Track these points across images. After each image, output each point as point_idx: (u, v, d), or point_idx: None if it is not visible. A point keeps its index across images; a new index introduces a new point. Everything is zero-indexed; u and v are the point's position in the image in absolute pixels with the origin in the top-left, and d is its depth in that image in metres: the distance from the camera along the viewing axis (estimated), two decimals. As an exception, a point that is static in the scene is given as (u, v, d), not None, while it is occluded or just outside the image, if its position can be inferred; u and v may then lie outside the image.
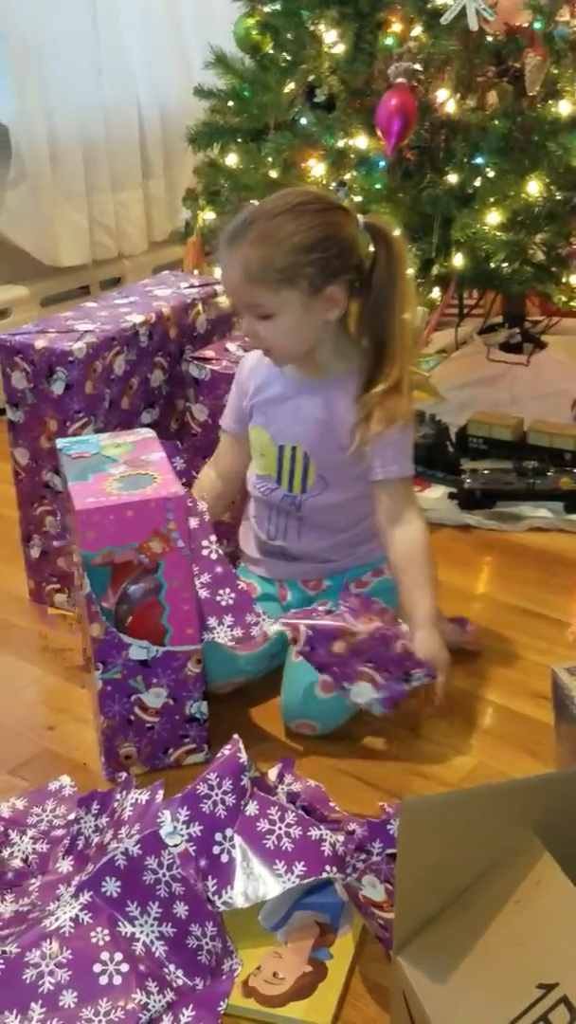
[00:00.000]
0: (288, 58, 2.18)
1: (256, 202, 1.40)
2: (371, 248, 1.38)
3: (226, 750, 1.18)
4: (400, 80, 1.88)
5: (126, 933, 1.07)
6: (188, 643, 1.34)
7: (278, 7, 2.17)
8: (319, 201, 1.38)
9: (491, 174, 1.93)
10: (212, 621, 1.34)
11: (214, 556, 1.34)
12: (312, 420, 1.44)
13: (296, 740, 1.45)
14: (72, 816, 1.26)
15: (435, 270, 1.98)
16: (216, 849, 1.12)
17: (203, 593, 1.33)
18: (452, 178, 1.94)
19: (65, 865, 1.20)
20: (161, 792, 1.17)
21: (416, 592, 1.41)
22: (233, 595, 1.35)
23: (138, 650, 1.33)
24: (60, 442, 1.46)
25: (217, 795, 1.14)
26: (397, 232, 1.40)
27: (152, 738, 1.38)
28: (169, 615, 1.32)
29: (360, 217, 1.39)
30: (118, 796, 1.20)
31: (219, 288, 1.91)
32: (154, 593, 1.31)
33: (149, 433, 1.47)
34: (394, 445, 1.41)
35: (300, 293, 1.35)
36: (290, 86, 2.16)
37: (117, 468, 1.35)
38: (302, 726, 1.43)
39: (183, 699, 1.37)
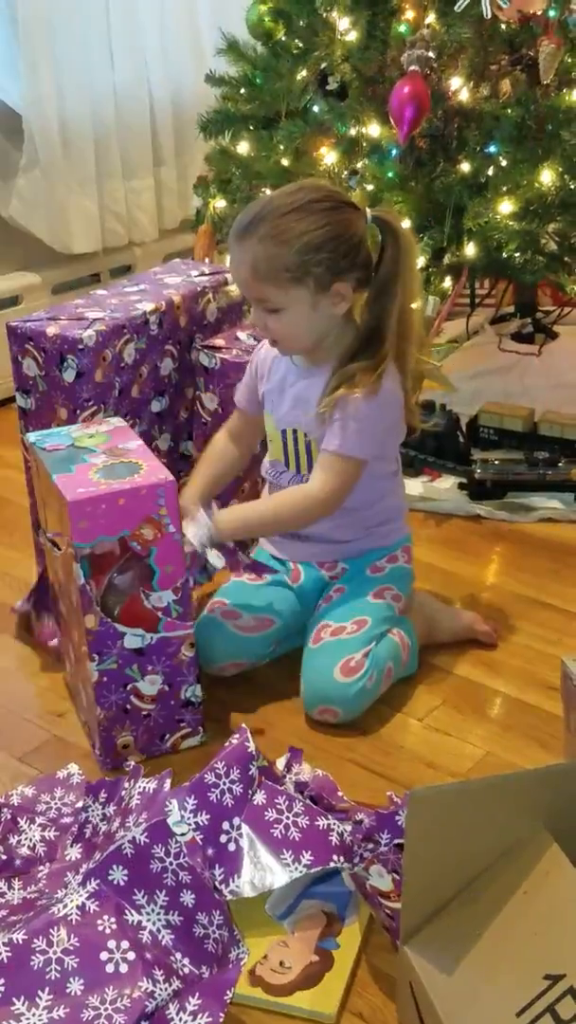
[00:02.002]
0: (301, 45, 2.17)
1: (268, 194, 1.40)
2: (379, 240, 1.39)
3: (234, 739, 1.18)
4: (413, 68, 1.86)
5: (133, 921, 1.07)
6: (183, 628, 1.34)
7: (291, -7, 2.16)
8: (329, 199, 1.38)
9: (504, 163, 1.92)
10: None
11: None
12: (309, 403, 1.45)
13: (304, 730, 1.45)
14: (80, 804, 1.27)
15: (447, 259, 1.97)
16: (223, 838, 1.12)
17: None
18: (465, 167, 1.93)
19: (73, 853, 1.20)
20: (169, 781, 1.17)
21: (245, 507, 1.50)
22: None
23: (133, 639, 1.33)
24: (31, 436, 1.45)
25: (225, 784, 1.14)
26: (405, 224, 1.41)
27: (149, 725, 1.38)
28: None
29: (368, 211, 1.39)
30: (126, 785, 1.20)
31: (229, 277, 1.91)
32: (146, 580, 1.30)
33: (119, 422, 1.46)
34: (348, 420, 1.39)
35: (308, 291, 1.36)
36: (302, 73, 2.14)
37: (97, 458, 1.34)
38: (325, 712, 1.43)
39: (178, 684, 1.37)
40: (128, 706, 1.36)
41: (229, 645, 1.49)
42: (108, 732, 1.37)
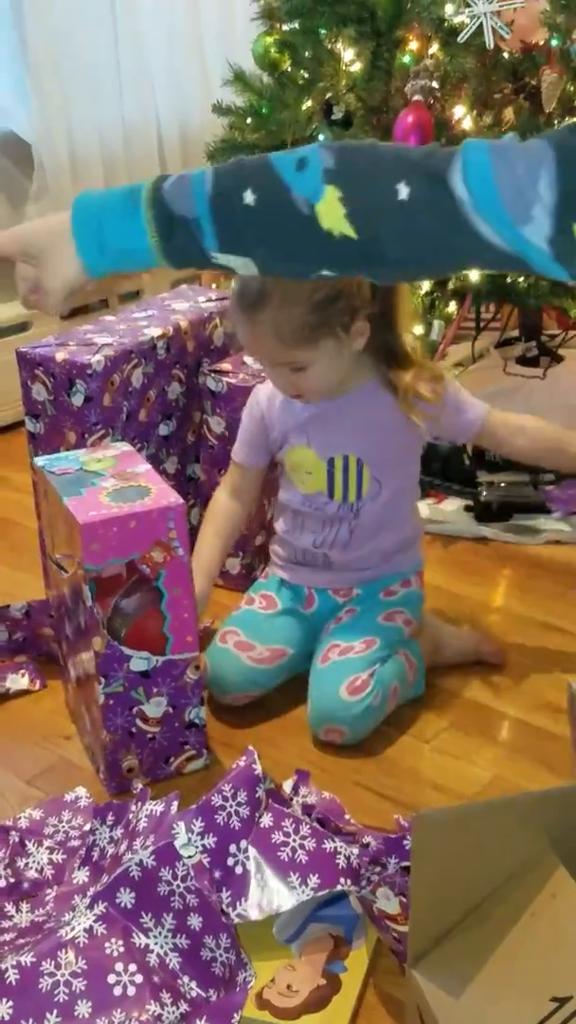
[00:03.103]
0: (306, 76, 2.20)
1: None
2: None
3: (241, 761, 1.19)
4: (417, 97, 1.89)
5: (140, 944, 1.07)
6: (188, 651, 1.35)
7: (297, 25, 2.19)
8: None
9: (508, 189, 1.94)
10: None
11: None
12: (357, 426, 1.46)
13: (311, 752, 1.45)
14: (88, 827, 1.27)
15: (451, 284, 1.98)
16: (231, 861, 1.12)
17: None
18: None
19: (81, 876, 1.20)
20: (176, 803, 1.17)
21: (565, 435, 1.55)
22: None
23: (139, 661, 1.34)
24: (39, 460, 1.46)
25: (232, 806, 1.14)
26: None
27: (153, 748, 1.38)
28: (170, 624, 1.33)
29: None
30: (133, 808, 1.21)
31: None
32: (154, 604, 1.31)
33: (126, 447, 1.47)
34: (457, 401, 1.49)
35: (334, 340, 1.38)
36: (308, 103, 2.17)
37: (107, 481, 1.35)
38: (331, 732, 1.43)
39: (182, 706, 1.37)
40: (133, 729, 1.37)
41: (242, 676, 1.49)
42: (114, 755, 1.37)
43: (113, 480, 1.36)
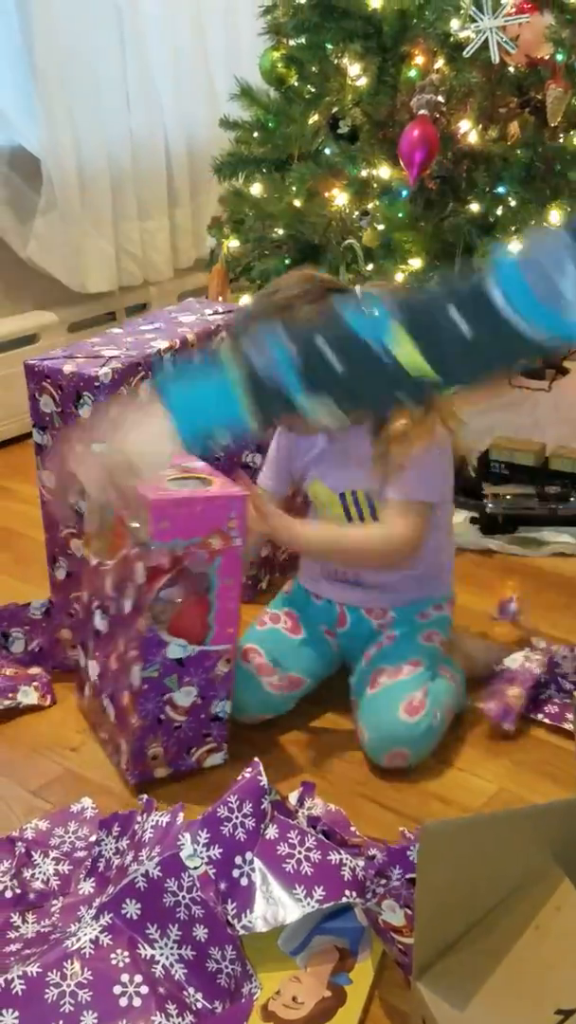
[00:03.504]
0: (312, 90, 2.22)
1: (257, 297, 1.45)
2: None
3: (246, 773, 1.19)
4: (423, 111, 1.90)
5: (146, 955, 1.08)
6: (226, 642, 1.36)
7: (303, 41, 2.21)
8: (312, 292, 1.40)
9: (513, 203, 1.95)
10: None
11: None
12: (361, 462, 1.45)
13: (316, 764, 1.45)
14: (93, 838, 1.27)
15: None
16: (236, 872, 1.13)
17: None
18: (474, 207, 1.96)
19: (86, 887, 1.21)
20: (182, 814, 1.17)
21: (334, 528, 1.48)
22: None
23: (176, 648, 1.34)
24: (96, 447, 1.48)
25: (237, 818, 1.14)
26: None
27: (179, 737, 1.39)
28: (216, 614, 1.34)
29: (358, 290, 1.44)
30: (139, 819, 1.21)
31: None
32: (199, 592, 1.32)
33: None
34: (412, 469, 1.41)
35: None
36: (314, 117, 2.19)
37: (167, 471, 1.36)
38: (395, 756, 1.41)
39: (210, 698, 1.38)
40: (162, 716, 1.38)
41: (258, 701, 1.50)
42: (141, 741, 1.38)
43: (172, 471, 1.37)
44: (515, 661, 1.59)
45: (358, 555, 1.49)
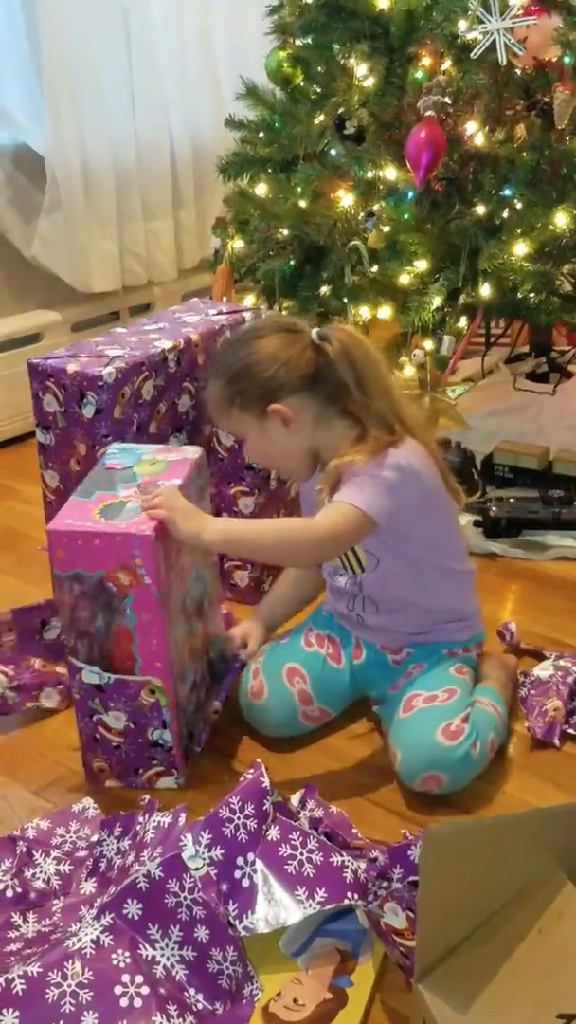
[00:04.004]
0: (318, 90, 2.22)
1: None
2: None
3: (249, 774, 1.19)
4: (429, 113, 1.90)
5: (147, 956, 1.07)
6: (154, 674, 1.34)
7: (309, 40, 2.21)
8: (261, 329, 1.43)
9: (519, 206, 1.95)
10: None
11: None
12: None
13: (318, 766, 1.45)
14: (95, 838, 1.27)
15: (462, 299, 1.99)
16: (238, 873, 1.12)
17: None
18: (480, 209, 1.96)
19: (88, 887, 1.20)
20: (184, 815, 1.17)
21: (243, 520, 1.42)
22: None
23: (90, 674, 1.36)
24: (113, 447, 1.50)
25: (239, 819, 1.14)
26: (349, 331, 1.42)
27: (120, 756, 1.40)
28: (138, 645, 1.33)
29: (314, 331, 1.40)
30: (140, 819, 1.21)
31: (247, 315, 1.93)
32: (123, 622, 1.32)
33: (195, 453, 1.47)
34: (353, 479, 1.35)
35: (247, 416, 1.40)
36: (320, 118, 2.19)
37: (127, 491, 1.37)
38: (428, 781, 1.36)
39: (143, 725, 1.38)
40: (97, 735, 1.39)
41: (288, 724, 1.48)
42: (86, 754, 1.41)
43: (133, 491, 1.37)
44: (545, 671, 1.58)
45: (266, 547, 1.38)
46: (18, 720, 1.57)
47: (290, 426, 1.40)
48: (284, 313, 2.07)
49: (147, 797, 1.25)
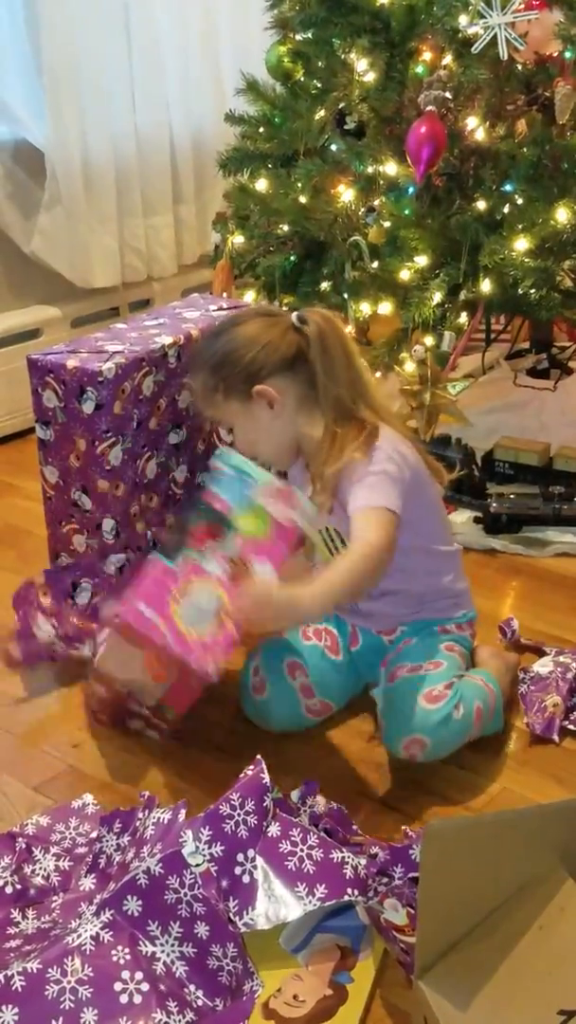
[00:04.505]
0: (319, 85, 2.21)
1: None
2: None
3: (249, 770, 1.18)
4: (430, 108, 1.89)
5: (147, 952, 1.07)
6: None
7: (310, 35, 2.20)
8: (241, 317, 1.47)
9: (520, 201, 1.94)
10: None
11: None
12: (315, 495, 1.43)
13: (318, 763, 1.45)
14: (95, 834, 1.27)
15: (463, 295, 1.99)
16: (238, 870, 1.12)
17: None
18: (481, 205, 1.96)
19: (87, 883, 1.20)
20: (184, 811, 1.17)
21: (316, 580, 1.33)
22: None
23: None
24: (223, 451, 1.46)
25: (239, 815, 1.14)
26: (327, 315, 1.44)
27: None
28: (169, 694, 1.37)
29: (294, 314, 1.43)
30: (140, 815, 1.21)
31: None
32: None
33: (305, 507, 1.36)
34: (360, 481, 1.35)
35: (233, 401, 1.42)
36: (321, 113, 2.18)
37: (212, 566, 1.31)
38: (412, 745, 1.37)
39: None
40: None
41: (291, 719, 1.48)
42: None
43: (224, 569, 1.31)
44: (545, 666, 1.58)
45: (357, 588, 1.37)
46: (17, 716, 1.57)
47: (275, 408, 1.42)
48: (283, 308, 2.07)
49: (146, 793, 1.25)
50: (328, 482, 1.38)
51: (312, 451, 1.44)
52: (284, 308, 1.52)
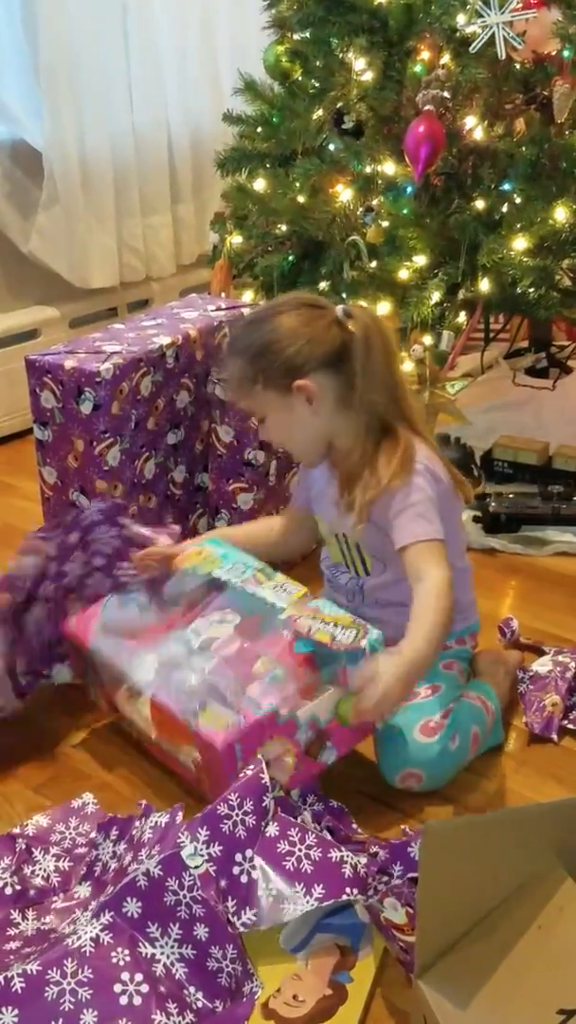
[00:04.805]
0: (317, 85, 2.21)
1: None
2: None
3: (248, 771, 1.18)
4: (428, 107, 1.89)
5: (146, 954, 1.07)
6: None
7: (308, 35, 2.20)
8: (283, 304, 1.40)
9: (518, 200, 1.94)
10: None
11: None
12: (348, 509, 1.41)
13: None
14: (95, 835, 1.27)
15: (462, 295, 1.99)
16: (236, 870, 1.12)
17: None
18: (479, 204, 1.96)
19: (82, 891, 1.20)
20: (181, 814, 1.17)
21: (409, 634, 1.30)
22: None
23: None
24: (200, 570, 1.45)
25: (238, 815, 1.14)
26: (373, 314, 1.41)
27: None
28: None
29: (339, 307, 1.38)
30: (137, 823, 1.21)
31: (246, 311, 1.92)
32: None
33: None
34: (405, 512, 1.34)
35: (273, 392, 1.37)
36: (319, 112, 2.18)
37: (192, 675, 1.30)
38: (408, 778, 1.36)
39: None
40: None
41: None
42: None
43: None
44: (544, 666, 1.58)
45: (442, 628, 1.34)
46: (16, 718, 1.57)
47: (313, 404, 1.38)
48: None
49: (144, 802, 1.25)
50: (363, 509, 1.35)
51: (342, 453, 1.41)
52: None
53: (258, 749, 1.22)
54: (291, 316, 1.37)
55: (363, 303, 2.03)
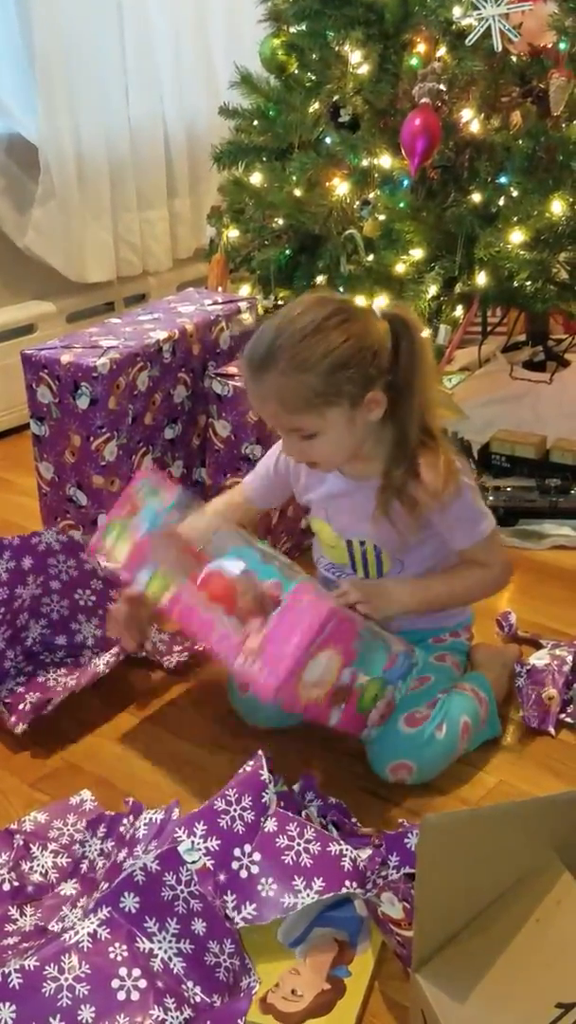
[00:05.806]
0: (313, 78, 2.20)
1: (276, 323, 1.30)
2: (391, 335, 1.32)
3: (248, 766, 1.18)
4: (424, 100, 1.89)
5: (144, 949, 1.07)
6: None
7: (304, 28, 2.19)
8: (340, 311, 1.29)
9: (515, 193, 1.94)
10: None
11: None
12: (372, 514, 1.38)
13: (314, 757, 1.45)
14: (80, 837, 1.27)
15: (458, 288, 1.98)
16: (235, 864, 1.12)
17: None
18: (476, 197, 1.95)
19: (68, 888, 1.20)
20: (176, 811, 1.17)
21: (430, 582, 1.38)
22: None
23: None
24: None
25: (236, 811, 1.14)
26: (412, 315, 1.36)
27: None
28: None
29: (377, 309, 1.33)
30: (125, 821, 1.21)
31: (242, 305, 1.92)
32: None
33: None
34: (458, 513, 1.35)
35: (343, 409, 1.28)
36: (315, 106, 2.17)
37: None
38: (398, 769, 1.36)
39: None
40: None
41: (277, 717, 1.44)
42: None
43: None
44: (541, 659, 1.58)
45: (463, 598, 1.42)
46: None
47: (373, 415, 1.31)
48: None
49: (131, 799, 1.25)
50: (413, 524, 1.35)
51: (363, 461, 1.37)
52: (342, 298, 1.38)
53: (352, 642, 1.26)
54: (354, 324, 1.27)
55: (362, 298, 2.03)
